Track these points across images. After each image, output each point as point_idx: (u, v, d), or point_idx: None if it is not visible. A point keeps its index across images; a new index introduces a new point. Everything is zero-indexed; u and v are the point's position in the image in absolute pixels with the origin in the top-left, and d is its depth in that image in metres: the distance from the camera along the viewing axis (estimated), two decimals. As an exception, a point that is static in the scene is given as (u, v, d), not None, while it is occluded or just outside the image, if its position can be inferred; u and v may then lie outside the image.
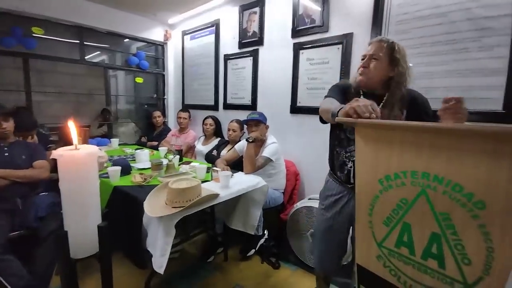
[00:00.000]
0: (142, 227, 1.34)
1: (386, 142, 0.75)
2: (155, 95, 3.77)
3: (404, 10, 1.65)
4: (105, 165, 1.91)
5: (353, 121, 0.81)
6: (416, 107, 1.17)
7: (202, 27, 3.10)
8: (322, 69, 2.08)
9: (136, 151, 2.24)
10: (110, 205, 1.59)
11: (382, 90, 1.17)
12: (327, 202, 1.32)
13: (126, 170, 1.78)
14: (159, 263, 1.19)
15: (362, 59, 1.19)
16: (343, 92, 1.24)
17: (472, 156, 0.60)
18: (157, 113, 3.30)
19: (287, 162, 2.21)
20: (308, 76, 2.18)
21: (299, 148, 2.28)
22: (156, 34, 3.47)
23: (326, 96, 1.21)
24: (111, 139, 2.91)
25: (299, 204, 1.99)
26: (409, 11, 1.63)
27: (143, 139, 3.29)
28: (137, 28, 3.28)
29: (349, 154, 1.22)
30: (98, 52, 3.31)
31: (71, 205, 0.77)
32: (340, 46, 1.95)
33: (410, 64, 1.30)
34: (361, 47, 1.85)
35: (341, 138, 1.25)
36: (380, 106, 1.13)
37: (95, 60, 3.28)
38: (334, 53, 1.99)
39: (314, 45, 2.10)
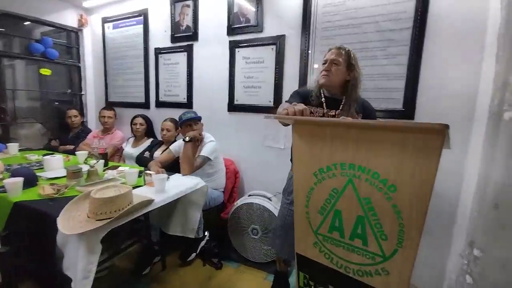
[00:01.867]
0: (56, 248, 1.12)
1: (319, 137, 0.82)
2: (69, 91, 3.21)
3: (327, 18, 1.83)
4: (0, 176, 1.53)
5: (288, 118, 0.87)
6: (369, 115, 1.34)
7: (128, 16, 2.79)
8: (258, 68, 2.14)
9: (45, 157, 1.86)
10: (11, 226, 1.28)
11: (341, 95, 1.30)
12: (292, 197, 1.39)
13: (30, 181, 1.45)
14: (81, 287, 1.02)
15: (324, 63, 1.30)
16: (303, 98, 1.32)
17: (386, 147, 0.71)
18: (73, 112, 2.82)
19: (226, 161, 2.20)
20: (244, 75, 2.20)
21: (237, 146, 2.29)
22: (67, 18, 2.95)
23: (286, 102, 1.28)
24: (7, 144, 2.34)
25: (239, 202, 2.00)
26: (331, 20, 1.81)
27: (54, 143, 2.76)
28: (42, 9, 2.72)
29: None
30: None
31: None
32: (274, 46, 2.04)
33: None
34: (293, 48, 1.97)
35: None
36: (339, 109, 1.28)
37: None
38: (268, 53, 2.07)
39: (250, 44, 2.14)
